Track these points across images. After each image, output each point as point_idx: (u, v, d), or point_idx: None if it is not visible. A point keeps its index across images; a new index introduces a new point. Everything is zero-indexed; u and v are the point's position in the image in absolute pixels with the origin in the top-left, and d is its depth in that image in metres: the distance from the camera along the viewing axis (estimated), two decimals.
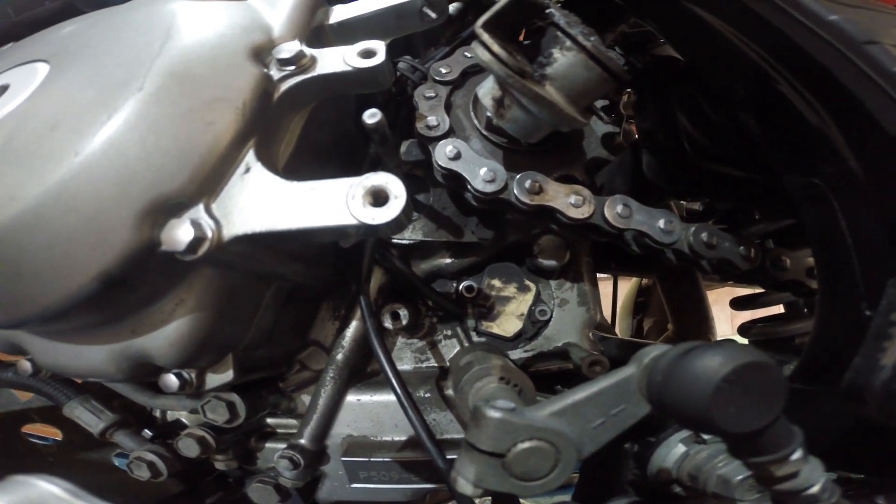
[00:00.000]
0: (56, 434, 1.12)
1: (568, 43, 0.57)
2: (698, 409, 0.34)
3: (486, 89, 0.67)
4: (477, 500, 0.86)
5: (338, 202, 0.48)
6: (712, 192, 0.92)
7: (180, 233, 0.47)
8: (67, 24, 0.69)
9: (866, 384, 0.43)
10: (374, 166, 0.77)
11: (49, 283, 0.49)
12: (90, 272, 0.48)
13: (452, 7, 0.88)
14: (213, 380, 0.67)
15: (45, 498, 0.41)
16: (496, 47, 0.53)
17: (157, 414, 0.92)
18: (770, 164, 0.65)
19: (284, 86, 0.60)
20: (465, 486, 0.42)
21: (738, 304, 1.00)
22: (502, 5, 0.57)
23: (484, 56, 0.55)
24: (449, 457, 0.66)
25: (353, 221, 0.47)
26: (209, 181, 0.51)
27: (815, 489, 0.39)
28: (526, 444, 0.40)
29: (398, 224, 0.48)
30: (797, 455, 0.37)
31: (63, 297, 0.49)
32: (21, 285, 0.50)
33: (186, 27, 0.57)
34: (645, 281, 1.74)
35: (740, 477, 0.52)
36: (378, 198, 0.48)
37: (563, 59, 0.58)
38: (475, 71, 0.79)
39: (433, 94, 0.75)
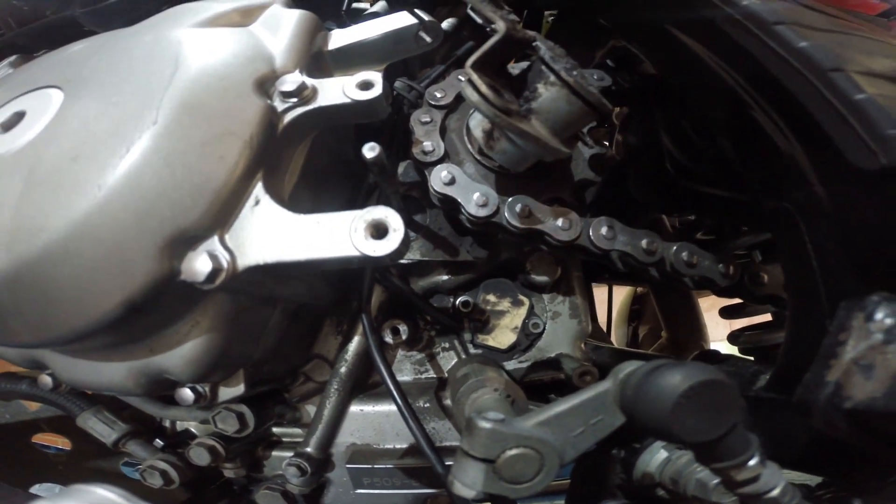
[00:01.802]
0: (65, 443, 1.15)
1: (552, 77, 0.60)
2: (661, 421, 0.37)
3: (477, 121, 0.69)
4: None
5: (342, 235, 0.51)
6: (695, 209, 0.95)
7: (199, 264, 0.50)
8: (74, 46, 0.69)
9: (813, 399, 0.46)
10: (372, 192, 0.80)
11: (75, 310, 0.51)
12: (114, 300, 0.50)
13: (446, 23, 0.89)
14: (226, 393, 0.69)
15: None
16: (484, 88, 0.56)
17: (167, 424, 0.95)
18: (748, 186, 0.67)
19: (287, 117, 0.61)
20: (461, 490, 0.46)
21: (727, 313, 1.04)
22: (491, 44, 0.59)
23: (472, 97, 0.57)
24: (447, 463, 0.68)
25: (355, 253, 0.50)
26: (222, 214, 0.53)
27: (775, 492, 0.42)
28: (513, 451, 0.44)
29: (397, 255, 0.50)
30: (754, 461, 0.41)
31: (88, 322, 0.51)
32: (48, 311, 0.52)
33: (193, 56, 0.57)
34: (640, 289, 1.78)
35: (716, 481, 0.55)
36: (378, 230, 0.51)
37: (546, 93, 0.60)
38: None
39: (428, 119, 0.76)
